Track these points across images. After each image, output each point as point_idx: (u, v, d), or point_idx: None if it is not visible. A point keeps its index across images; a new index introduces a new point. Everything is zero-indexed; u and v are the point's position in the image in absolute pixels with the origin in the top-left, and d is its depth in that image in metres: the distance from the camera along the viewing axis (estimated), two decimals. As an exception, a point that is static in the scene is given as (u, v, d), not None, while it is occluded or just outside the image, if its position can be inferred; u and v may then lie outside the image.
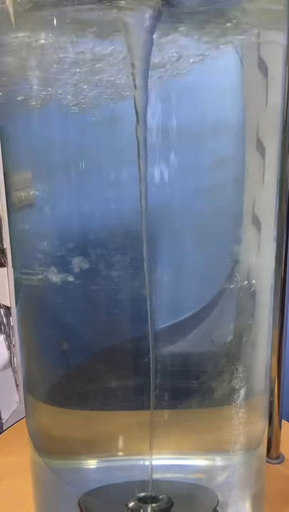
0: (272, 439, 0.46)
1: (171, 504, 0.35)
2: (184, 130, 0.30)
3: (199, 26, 0.28)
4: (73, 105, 0.29)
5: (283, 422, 0.47)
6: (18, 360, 0.73)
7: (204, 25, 0.28)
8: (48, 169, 0.32)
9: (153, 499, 0.35)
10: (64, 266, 0.31)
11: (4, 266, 0.65)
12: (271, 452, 0.47)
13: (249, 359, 0.35)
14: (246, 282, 0.33)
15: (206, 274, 0.33)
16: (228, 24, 0.29)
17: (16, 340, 0.71)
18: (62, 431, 0.36)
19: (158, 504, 0.35)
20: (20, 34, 0.29)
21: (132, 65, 0.27)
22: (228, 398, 0.34)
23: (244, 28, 0.29)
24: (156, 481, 0.35)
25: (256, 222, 0.33)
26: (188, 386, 0.34)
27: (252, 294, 0.34)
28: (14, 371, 0.74)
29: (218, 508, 0.35)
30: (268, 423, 0.45)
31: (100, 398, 0.35)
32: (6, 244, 0.63)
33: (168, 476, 0.36)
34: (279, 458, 0.47)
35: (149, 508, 0.34)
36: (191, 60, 0.28)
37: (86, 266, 0.31)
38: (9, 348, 0.76)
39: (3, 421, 0.69)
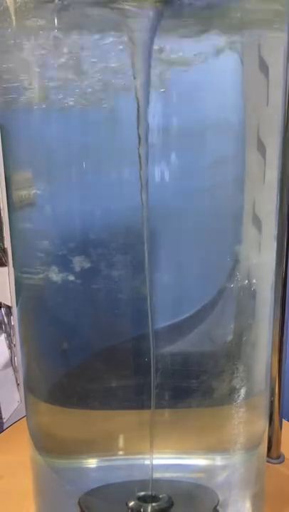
0: (273, 438, 0.46)
1: (171, 503, 0.35)
2: (185, 130, 0.30)
3: (200, 26, 0.28)
4: (74, 104, 0.29)
5: (284, 421, 0.47)
6: (18, 359, 0.73)
7: (205, 25, 0.28)
8: (49, 168, 0.32)
9: (153, 498, 0.35)
10: (64, 265, 0.31)
11: (5, 265, 0.65)
12: (272, 452, 0.47)
13: (249, 358, 0.35)
14: (247, 282, 0.33)
15: (206, 273, 0.33)
16: (229, 24, 0.29)
17: (17, 339, 0.71)
18: (62, 430, 0.36)
19: (158, 503, 0.35)
20: (21, 32, 0.29)
21: (133, 64, 0.28)
22: (228, 397, 0.34)
23: (245, 28, 0.29)
24: (156, 481, 0.35)
25: (257, 221, 0.33)
26: (188, 385, 0.34)
27: (252, 294, 0.34)
28: (15, 370, 0.74)
29: (218, 507, 0.35)
30: (269, 423, 0.45)
31: (101, 397, 0.35)
32: (7, 243, 0.63)
33: (168, 475, 0.36)
34: (279, 458, 0.47)
35: (150, 508, 0.34)
36: (192, 60, 0.28)
37: (86, 265, 0.31)
38: (10, 347, 0.76)
39: (4, 420, 0.69)
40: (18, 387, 0.74)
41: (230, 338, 0.34)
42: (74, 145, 0.31)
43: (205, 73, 0.29)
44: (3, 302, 0.72)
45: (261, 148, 0.31)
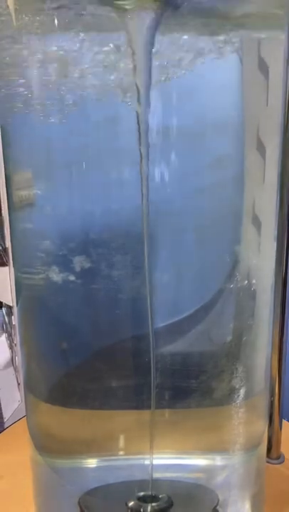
0: (273, 439, 0.46)
1: (171, 503, 0.35)
2: (184, 130, 0.30)
3: (199, 26, 0.28)
4: (74, 104, 0.30)
5: (284, 422, 0.47)
6: (19, 359, 0.73)
7: (204, 25, 0.28)
8: (49, 168, 0.32)
9: (153, 498, 0.35)
10: (64, 265, 0.31)
11: (6, 265, 0.65)
12: (272, 452, 0.47)
13: (249, 358, 0.35)
14: (246, 282, 0.33)
15: (206, 273, 0.33)
16: (229, 24, 0.29)
17: (18, 339, 0.71)
18: (62, 430, 0.36)
19: (158, 503, 0.35)
20: (21, 32, 0.29)
21: (134, 64, 0.28)
22: (228, 398, 0.34)
23: (244, 28, 0.29)
24: (156, 481, 0.35)
25: (256, 221, 0.33)
26: (188, 385, 0.34)
27: (252, 294, 0.34)
28: (16, 370, 0.74)
29: (218, 507, 0.35)
30: (269, 423, 0.45)
31: (101, 397, 0.35)
32: (8, 242, 0.63)
33: (168, 475, 0.36)
34: (279, 458, 0.47)
35: (149, 508, 0.34)
36: (192, 60, 0.28)
37: (86, 265, 0.31)
38: (11, 347, 0.76)
39: (5, 419, 0.69)
40: (18, 387, 0.74)
41: (230, 338, 0.34)
42: (74, 145, 0.31)
43: (205, 73, 0.29)
44: (4, 302, 0.72)
45: (261, 148, 0.31)
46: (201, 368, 0.34)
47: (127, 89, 0.29)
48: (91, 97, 0.30)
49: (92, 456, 0.36)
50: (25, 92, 0.30)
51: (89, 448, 0.36)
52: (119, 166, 0.31)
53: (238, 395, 0.34)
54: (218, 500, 0.35)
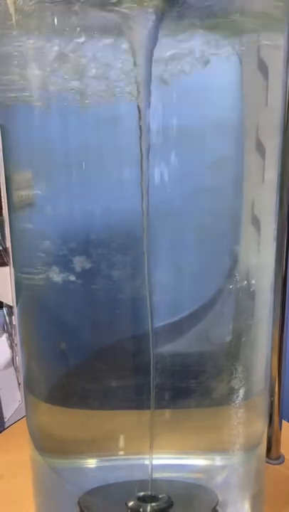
0: (273, 439, 0.46)
1: (170, 503, 0.35)
2: (184, 130, 0.30)
3: (199, 27, 0.28)
4: (74, 104, 0.30)
5: (284, 422, 0.47)
6: (20, 359, 0.73)
7: (204, 26, 0.28)
8: (48, 168, 0.32)
9: (153, 498, 0.35)
10: (64, 265, 0.31)
11: (7, 265, 0.65)
12: (271, 453, 0.47)
13: (249, 359, 0.35)
14: (246, 282, 0.33)
15: (205, 273, 0.33)
16: (228, 25, 0.29)
17: (18, 339, 0.71)
18: (62, 430, 0.36)
19: (158, 503, 0.35)
20: (21, 33, 0.29)
21: (135, 65, 0.28)
22: (227, 398, 0.34)
23: (244, 29, 0.29)
24: (155, 481, 0.35)
25: (256, 222, 0.33)
26: (188, 386, 0.34)
27: (252, 294, 0.34)
28: (16, 370, 0.74)
29: (217, 507, 0.35)
30: (269, 423, 0.45)
31: (100, 397, 0.35)
32: (8, 243, 0.63)
33: (168, 475, 0.36)
34: (279, 458, 0.47)
35: (149, 508, 0.34)
36: (191, 61, 0.28)
37: (86, 265, 0.31)
38: (11, 346, 0.76)
39: (5, 419, 0.69)
40: (19, 387, 0.74)
41: (229, 338, 0.34)
42: (74, 145, 0.31)
43: (204, 74, 0.29)
44: (4, 302, 0.72)
45: (260, 148, 0.31)
46: (201, 368, 0.34)
47: (128, 89, 0.29)
48: (91, 97, 0.30)
49: (91, 456, 0.36)
50: (26, 93, 0.30)
51: (89, 448, 0.36)
52: (119, 167, 0.31)
53: (238, 395, 0.34)
54: (218, 501, 0.35)
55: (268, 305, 0.36)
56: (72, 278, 0.31)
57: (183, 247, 0.33)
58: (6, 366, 0.74)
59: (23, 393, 0.38)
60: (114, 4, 0.26)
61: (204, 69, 0.29)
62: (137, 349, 0.33)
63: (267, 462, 0.46)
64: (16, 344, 0.75)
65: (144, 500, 0.35)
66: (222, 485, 0.36)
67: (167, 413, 0.35)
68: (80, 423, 0.36)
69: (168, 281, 0.33)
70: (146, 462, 0.34)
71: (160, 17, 0.27)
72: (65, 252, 0.31)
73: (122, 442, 0.36)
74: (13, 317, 0.74)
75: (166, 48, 0.28)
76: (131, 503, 0.35)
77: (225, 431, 0.36)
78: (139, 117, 0.28)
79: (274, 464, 0.47)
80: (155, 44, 0.27)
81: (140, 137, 0.28)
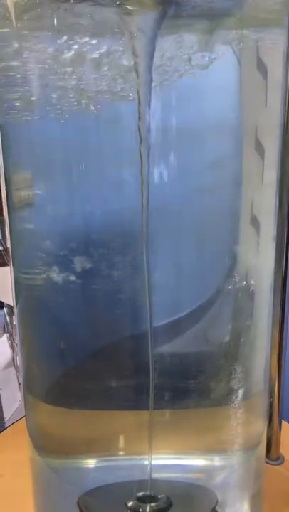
0: (272, 439, 0.46)
1: (170, 504, 0.35)
2: (183, 131, 0.30)
3: (198, 27, 0.28)
4: (74, 105, 0.30)
5: (283, 423, 0.47)
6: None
7: (203, 26, 0.28)
8: (48, 168, 0.32)
9: (152, 499, 0.35)
10: (63, 265, 0.31)
11: (7, 264, 0.65)
12: (271, 453, 0.47)
13: (248, 359, 0.35)
14: (245, 282, 0.33)
15: (205, 274, 0.33)
16: (228, 25, 0.29)
17: (18, 339, 0.71)
18: (61, 430, 0.36)
19: (157, 504, 0.35)
20: (21, 34, 0.29)
21: (135, 65, 0.28)
22: (227, 398, 0.34)
23: (243, 29, 0.29)
24: (155, 481, 0.35)
25: (255, 222, 0.33)
26: (187, 386, 0.34)
27: (251, 294, 0.34)
28: (17, 370, 0.74)
29: (217, 508, 0.35)
30: (268, 424, 0.45)
31: (100, 398, 0.35)
32: (9, 243, 0.63)
33: (167, 475, 0.36)
34: (279, 459, 0.47)
35: (148, 508, 0.34)
36: (190, 61, 0.28)
37: (85, 265, 0.31)
38: (12, 346, 0.76)
39: (6, 419, 0.69)
40: (19, 387, 0.74)
41: (228, 338, 0.34)
42: (73, 146, 0.31)
43: (203, 74, 0.29)
44: (5, 302, 0.72)
45: (260, 149, 0.31)
46: (200, 368, 0.34)
47: (127, 89, 0.29)
48: (91, 97, 0.30)
49: (91, 457, 0.36)
50: (26, 93, 0.30)
51: (88, 448, 0.36)
52: (118, 167, 0.31)
53: (237, 396, 0.34)
54: (217, 501, 0.35)
55: (267, 305, 0.36)
56: (71, 278, 0.31)
57: (182, 247, 0.33)
58: (7, 366, 0.74)
59: (23, 393, 0.38)
60: (114, 4, 0.26)
61: (203, 69, 0.29)
62: (137, 349, 0.33)
63: (266, 463, 0.46)
64: (16, 344, 0.75)
65: (143, 500, 0.35)
66: (221, 485, 0.36)
67: (167, 413, 0.35)
68: (80, 423, 0.36)
69: (167, 281, 0.33)
70: (146, 462, 0.34)
71: (160, 17, 0.27)
72: (65, 252, 0.31)
73: (121, 442, 0.36)
74: (13, 317, 0.74)
75: (166, 48, 0.28)
76: (130, 503, 0.35)
77: (224, 431, 0.36)
78: (139, 118, 0.28)
79: (274, 465, 0.47)
80: (155, 44, 0.27)
81: (140, 138, 0.28)
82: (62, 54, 0.29)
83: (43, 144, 0.31)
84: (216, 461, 0.37)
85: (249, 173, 0.32)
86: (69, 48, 0.28)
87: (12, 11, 0.29)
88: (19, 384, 0.74)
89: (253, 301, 0.34)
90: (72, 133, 0.31)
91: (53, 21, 0.28)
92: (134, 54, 0.27)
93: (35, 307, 0.35)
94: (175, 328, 0.34)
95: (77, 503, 0.35)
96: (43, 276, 0.32)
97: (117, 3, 0.26)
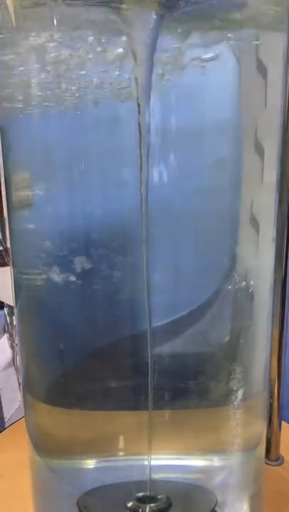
0: (272, 440, 0.46)
1: (169, 504, 0.35)
2: (182, 131, 0.30)
3: (197, 27, 0.28)
4: (73, 105, 0.30)
5: (283, 423, 0.47)
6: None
7: (202, 26, 0.28)
8: (47, 169, 0.32)
9: (151, 499, 0.35)
10: (63, 266, 0.31)
11: (7, 265, 0.65)
12: (271, 454, 0.47)
13: (248, 360, 0.35)
14: (244, 283, 0.33)
15: (204, 274, 0.33)
16: (227, 25, 0.29)
17: (17, 339, 0.71)
18: (60, 430, 0.36)
19: (156, 504, 0.35)
20: (20, 33, 0.29)
21: (135, 65, 0.28)
22: (226, 399, 0.34)
23: (243, 29, 0.29)
24: (154, 481, 0.35)
25: (254, 223, 0.33)
26: (186, 386, 0.34)
27: (250, 295, 0.34)
28: (17, 370, 0.74)
29: (216, 508, 0.35)
30: (268, 424, 0.45)
31: (99, 398, 0.35)
32: (9, 243, 0.63)
33: (166, 476, 0.36)
34: (279, 460, 0.47)
35: (148, 508, 0.34)
36: (190, 61, 0.28)
37: (85, 266, 0.31)
38: (12, 347, 0.76)
39: (6, 419, 0.69)
40: (19, 387, 0.74)
41: (228, 339, 0.34)
42: (73, 146, 0.31)
43: (203, 75, 0.29)
44: (5, 302, 0.73)
45: (259, 149, 0.31)
46: (200, 368, 0.34)
47: (127, 89, 0.29)
48: (91, 98, 0.30)
49: (90, 457, 0.36)
50: (24, 94, 0.30)
51: (87, 449, 0.36)
52: (118, 167, 0.31)
53: (237, 396, 0.34)
54: (217, 501, 0.35)
55: (267, 306, 0.36)
56: (71, 278, 0.31)
57: (182, 247, 0.33)
58: (7, 366, 0.74)
59: (22, 394, 0.38)
60: (115, 4, 0.26)
61: (203, 69, 0.29)
62: (136, 350, 0.33)
63: (266, 463, 0.46)
64: (16, 344, 0.75)
65: (142, 500, 0.35)
66: (221, 486, 0.36)
67: (166, 414, 0.35)
68: (79, 423, 0.36)
69: (167, 281, 0.33)
70: (145, 463, 0.34)
71: (160, 17, 0.27)
72: (64, 252, 0.31)
73: (120, 443, 0.36)
74: (13, 317, 0.74)
75: (165, 48, 0.28)
76: (130, 504, 0.35)
77: (224, 431, 0.35)
78: (139, 118, 0.28)
79: (273, 465, 0.47)
80: (155, 44, 0.27)
81: (140, 138, 0.28)
82: (61, 53, 0.29)
83: (42, 144, 0.31)
84: (216, 461, 0.37)
85: (249, 173, 0.32)
86: (69, 48, 0.28)
87: (11, 9, 0.29)
88: (19, 384, 0.74)
89: (253, 302, 0.34)
90: (72, 133, 0.31)
91: (52, 20, 0.28)
92: (134, 54, 0.27)
93: (35, 307, 0.35)
94: (175, 329, 0.34)
95: (77, 503, 0.35)
96: (43, 276, 0.32)
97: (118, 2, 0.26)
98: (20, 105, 0.31)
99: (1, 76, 0.31)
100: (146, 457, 0.34)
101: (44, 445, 0.37)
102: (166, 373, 0.33)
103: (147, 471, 0.34)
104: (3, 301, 0.72)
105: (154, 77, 0.28)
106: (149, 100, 0.28)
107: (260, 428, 0.38)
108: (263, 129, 0.31)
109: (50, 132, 0.31)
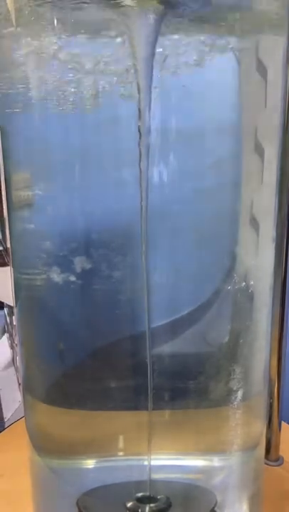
0: (272, 440, 0.46)
1: (169, 504, 0.35)
2: (183, 132, 0.30)
3: (198, 28, 0.28)
4: (74, 105, 0.30)
5: (283, 424, 0.47)
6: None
7: (203, 27, 0.28)
8: (47, 169, 0.32)
9: (151, 499, 0.35)
10: (63, 266, 0.31)
11: (7, 265, 0.65)
12: (270, 454, 0.47)
13: (248, 360, 0.35)
14: (244, 283, 0.33)
15: (204, 275, 0.33)
16: (227, 26, 0.29)
17: (17, 339, 0.71)
18: (60, 430, 0.36)
19: (156, 504, 0.35)
20: (20, 33, 0.29)
21: (135, 66, 0.28)
22: (226, 399, 0.34)
23: (243, 29, 0.29)
24: (154, 481, 0.35)
25: (254, 223, 0.33)
26: (186, 387, 0.34)
27: (250, 295, 0.34)
28: (17, 370, 0.74)
29: (216, 508, 0.35)
30: (268, 425, 0.45)
31: (99, 398, 0.35)
32: (9, 243, 0.63)
33: (166, 476, 0.36)
34: (278, 460, 0.47)
35: (148, 508, 0.34)
36: (190, 61, 0.28)
37: (85, 266, 0.31)
38: (12, 347, 0.76)
39: (5, 420, 0.69)
40: (19, 387, 0.74)
41: (228, 339, 0.34)
42: (73, 146, 0.31)
43: (203, 75, 0.29)
44: (5, 302, 0.72)
45: (259, 149, 0.31)
46: (199, 369, 0.34)
47: (127, 89, 0.29)
48: (91, 98, 0.30)
49: (90, 457, 0.36)
50: (24, 94, 0.30)
51: (87, 449, 0.36)
52: (118, 167, 0.31)
53: (236, 397, 0.34)
54: (216, 501, 0.35)
55: (266, 306, 0.36)
56: (71, 278, 0.31)
57: (182, 247, 0.33)
58: (7, 366, 0.74)
59: (22, 394, 0.38)
60: (115, 3, 0.26)
61: (203, 69, 0.29)
62: (136, 350, 0.33)
63: (266, 464, 0.46)
64: (16, 344, 0.75)
65: (142, 501, 0.35)
66: (220, 486, 0.36)
67: (166, 414, 0.35)
68: (79, 423, 0.36)
69: (167, 281, 0.33)
70: (145, 463, 0.34)
71: (160, 17, 0.27)
72: (64, 252, 0.31)
73: (120, 443, 0.36)
74: (13, 317, 0.74)
75: (165, 48, 0.28)
76: (129, 504, 0.35)
77: (223, 432, 0.36)
78: (139, 118, 0.28)
79: (273, 466, 0.47)
80: (155, 44, 0.27)
81: (140, 138, 0.28)
82: (61, 53, 0.29)
83: (42, 144, 0.31)
84: (215, 461, 0.37)
85: (249, 173, 0.32)
86: (68, 47, 0.29)
87: (11, 9, 0.29)
88: (19, 384, 0.74)
89: (253, 302, 0.34)
90: (72, 133, 0.31)
91: (52, 20, 0.28)
92: (134, 54, 0.27)
93: (35, 307, 0.35)
94: (174, 329, 0.34)
95: (77, 503, 0.35)
96: (43, 276, 0.32)
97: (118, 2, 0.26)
98: (21, 105, 0.31)
99: (1, 76, 0.31)
100: (146, 457, 0.34)
101: (44, 445, 0.37)
102: (166, 373, 0.33)
103: (147, 471, 0.34)
104: (3, 301, 0.72)
105: (154, 77, 0.28)
106: (149, 100, 0.28)
107: (260, 428, 0.38)
108: (263, 129, 0.31)
109: (50, 132, 0.31)
